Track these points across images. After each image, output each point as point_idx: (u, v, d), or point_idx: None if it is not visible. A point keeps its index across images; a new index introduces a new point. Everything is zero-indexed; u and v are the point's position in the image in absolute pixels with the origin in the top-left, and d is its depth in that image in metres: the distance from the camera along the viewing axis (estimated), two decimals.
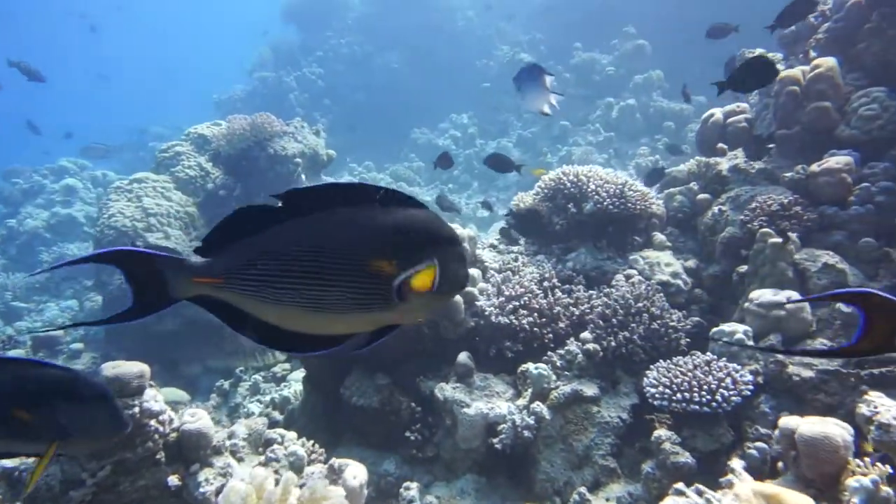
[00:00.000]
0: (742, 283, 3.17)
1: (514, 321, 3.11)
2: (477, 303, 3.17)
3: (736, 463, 2.12)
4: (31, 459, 1.99)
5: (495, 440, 2.82)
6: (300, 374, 4.35)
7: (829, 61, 3.46)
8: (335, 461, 2.53)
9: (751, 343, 2.73)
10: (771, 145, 3.69)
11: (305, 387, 3.70)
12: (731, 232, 3.37)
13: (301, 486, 2.47)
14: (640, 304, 3.04)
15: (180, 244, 5.79)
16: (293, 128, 6.52)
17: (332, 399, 3.32)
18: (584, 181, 3.70)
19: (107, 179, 10.54)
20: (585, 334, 3.04)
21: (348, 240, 0.95)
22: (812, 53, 3.71)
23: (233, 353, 5.37)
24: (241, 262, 0.96)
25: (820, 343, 2.62)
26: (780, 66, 3.61)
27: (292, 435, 2.72)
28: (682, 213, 3.94)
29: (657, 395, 2.63)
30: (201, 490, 2.24)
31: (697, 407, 2.52)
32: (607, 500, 2.56)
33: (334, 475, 2.50)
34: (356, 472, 2.47)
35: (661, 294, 3.15)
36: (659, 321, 3.00)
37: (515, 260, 3.61)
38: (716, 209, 3.59)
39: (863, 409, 1.71)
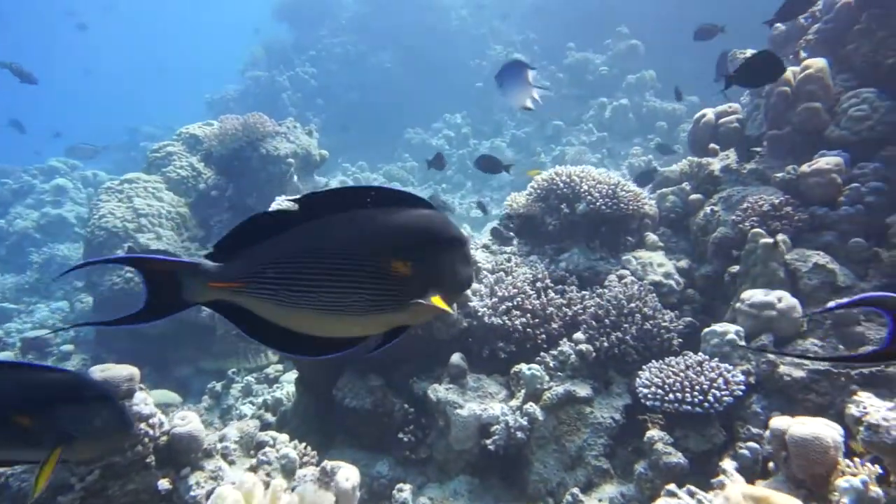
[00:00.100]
0: (734, 283, 3.18)
1: (507, 322, 3.11)
2: (470, 304, 3.17)
3: (727, 464, 2.12)
4: (21, 468, 1.96)
5: (488, 441, 2.81)
6: (293, 375, 4.33)
7: (819, 62, 3.48)
8: (327, 463, 2.52)
9: (743, 343, 2.73)
10: (757, 149, 3.71)
11: (298, 388, 3.69)
12: (723, 232, 3.39)
13: (293, 489, 2.46)
14: (632, 305, 3.05)
15: (172, 245, 5.75)
16: (286, 128, 6.49)
17: (324, 400, 3.30)
18: (576, 181, 3.70)
19: (98, 180, 10.46)
20: (578, 335, 3.04)
21: (365, 241, 0.96)
22: (802, 54, 3.73)
23: (225, 355, 5.34)
24: (258, 267, 0.96)
25: (811, 343, 2.64)
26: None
27: (284, 437, 2.71)
28: (675, 214, 3.96)
29: (650, 396, 2.64)
30: (192, 494, 2.22)
31: (689, 407, 2.53)
32: (600, 500, 2.56)
33: (326, 477, 2.48)
34: (348, 475, 2.45)
35: (654, 294, 3.16)
36: (651, 321, 3.00)
37: (508, 260, 3.60)
38: (708, 209, 3.60)
39: (852, 409, 1.72)
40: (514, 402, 2.93)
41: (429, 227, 0.99)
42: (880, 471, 1.69)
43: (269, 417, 3.89)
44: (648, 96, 10.62)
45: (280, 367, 5.04)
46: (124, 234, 5.65)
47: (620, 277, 3.38)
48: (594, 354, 2.94)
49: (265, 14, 16.36)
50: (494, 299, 3.19)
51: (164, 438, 2.29)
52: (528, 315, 3.15)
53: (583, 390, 2.84)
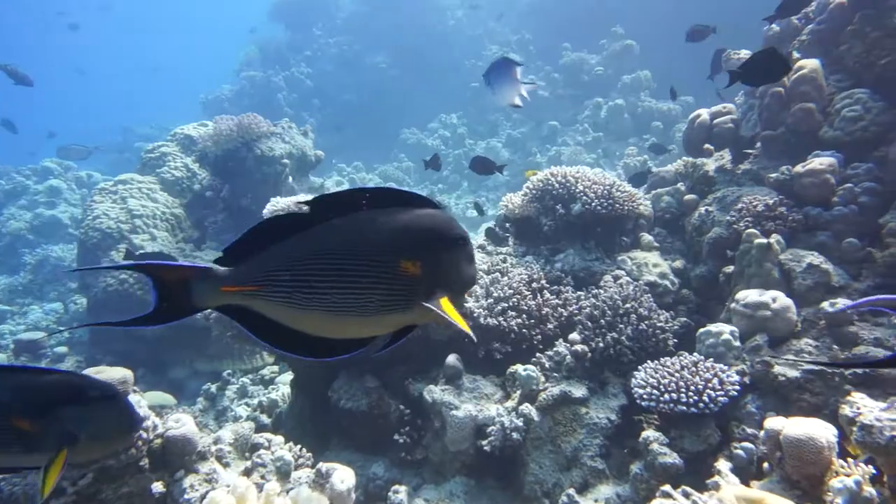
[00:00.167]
0: (729, 283, 3.19)
1: (502, 323, 3.11)
2: (466, 304, 3.17)
3: (722, 464, 2.12)
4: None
5: (484, 442, 2.81)
6: (288, 376, 4.32)
7: (812, 63, 3.49)
8: (322, 465, 2.51)
9: (737, 343, 2.74)
10: (749, 151, 3.72)
11: (293, 390, 3.68)
12: (718, 232, 3.40)
13: (288, 491, 2.45)
14: (628, 305, 3.05)
15: (166, 246, 5.73)
16: (281, 128, 6.48)
17: (320, 402, 3.29)
18: (572, 182, 3.70)
19: (92, 180, 10.41)
20: (574, 335, 3.04)
21: (376, 242, 0.96)
22: (796, 55, 3.74)
23: (220, 356, 5.32)
24: (271, 270, 0.97)
25: (805, 343, 2.64)
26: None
27: (279, 439, 2.70)
28: (670, 214, 3.96)
29: (645, 396, 2.64)
30: (186, 497, 2.21)
31: (685, 407, 2.53)
32: (595, 501, 2.56)
33: (322, 480, 2.48)
34: (344, 477, 2.45)
35: (649, 295, 3.16)
36: (647, 322, 3.01)
37: (504, 261, 3.60)
38: (702, 210, 3.61)
39: (846, 410, 1.72)
40: (510, 403, 2.93)
41: (436, 226, 1.00)
42: (873, 471, 1.69)
43: (265, 419, 3.88)
44: (644, 96, 10.65)
45: (275, 368, 5.02)
46: (118, 236, 5.63)
47: (616, 278, 3.38)
48: (590, 355, 2.94)
49: (261, 14, 16.32)
50: (490, 300, 3.19)
51: (158, 441, 2.28)
52: (524, 316, 3.15)
53: (578, 391, 2.84)
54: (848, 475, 1.69)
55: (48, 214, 9.44)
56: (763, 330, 2.73)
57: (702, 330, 2.87)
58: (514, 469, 2.85)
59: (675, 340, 3.03)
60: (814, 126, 3.51)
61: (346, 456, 3.13)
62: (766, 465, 2.02)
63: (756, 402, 2.57)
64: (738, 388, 2.54)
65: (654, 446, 2.49)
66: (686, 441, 2.54)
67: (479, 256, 3.68)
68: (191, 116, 9.65)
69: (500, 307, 3.15)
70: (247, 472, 2.49)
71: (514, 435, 2.76)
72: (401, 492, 2.77)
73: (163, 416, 2.39)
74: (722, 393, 2.52)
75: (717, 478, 2.02)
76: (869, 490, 1.63)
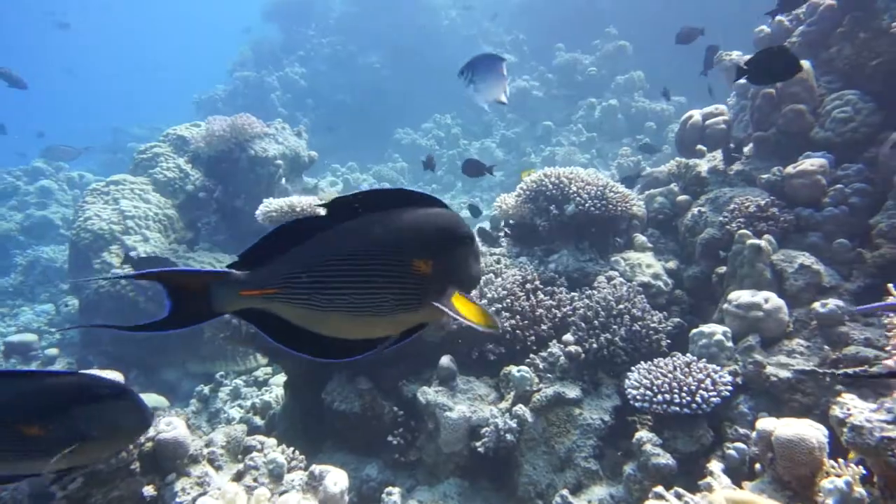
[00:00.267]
0: (721, 283, 3.20)
1: None
2: None
3: (714, 465, 2.13)
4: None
5: (478, 443, 2.81)
6: (281, 378, 4.31)
7: (803, 64, 3.51)
8: (315, 468, 2.50)
9: (729, 344, 2.75)
10: (736, 155, 3.73)
11: (287, 392, 3.66)
12: (711, 233, 3.41)
13: (281, 494, 2.44)
14: (621, 306, 3.05)
15: (159, 247, 5.69)
16: (274, 129, 6.45)
17: (313, 404, 3.28)
18: (565, 183, 3.71)
19: (84, 181, 10.34)
20: (567, 336, 3.04)
21: (391, 242, 0.98)
22: None
23: (213, 358, 5.29)
24: (289, 272, 0.97)
25: (797, 343, 2.66)
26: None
27: (272, 442, 2.68)
28: (663, 215, 3.98)
29: (638, 397, 2.65)
30: (177, 500, 2.20)
31: (678, 408, 2.54)
32: (589, 502, 2.57)
33: (315, 482, 2.47)
34: (337, 479, 2.44)
35: (643, 295, 3.17)
36: (640, 322, 3.01)
37: (498, 262, 3.60)
38: (695, 210, 3.62)
39: (836, 411, 1.73)
40: (504, 405, 2.93)
41: (447, 225, 1.02)
42: (864, 471, 1.70)
43: (258, 421, 3.86)
44: (637, 97, 10.68)
45: (269, 369, 5.00)
46: (110, 237, 5.59)
47: (609, 279, 3.39)
48: (583, 356, 2.95)
49: (254, 14, 16.26)
50: (484, 301, 3.19)
51: (150, 444, 2.26)
52: (518, 317, 3.15)
53: (572, 392, 2.85)
54: (839, 476, 1.70)
55: (39, 215, 9.37)
56: (755, 330, 2.74)
57: (694, 331, 2.88)
58: (507, 470, 2.85)
59: (669, 341, 3.04)
60: (805, 127, 3.53)
61: (340, 458, 3.12)
62: (757, 465, 2.03)
63: (748, 403, 2.58)
64: (730, 388, 2.55)
65: (648, 447, 2.49)
66: (679, 442, 2.54)
67: None
68: (184, 117, 9.61)
69: (493, 308, 3.15)
70: (239, 475, 2.47)
71: (508, 436, 2.76)
72: (394, 493, 2.76)
73: (154, 418, 2.38)
74: (714, 393, 2.53)
75: (709, 479, 2.03)
76: (859, 491, 1.64)
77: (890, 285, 2.16)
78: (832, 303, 2.61)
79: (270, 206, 3.70)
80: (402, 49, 13.77)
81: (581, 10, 12.66)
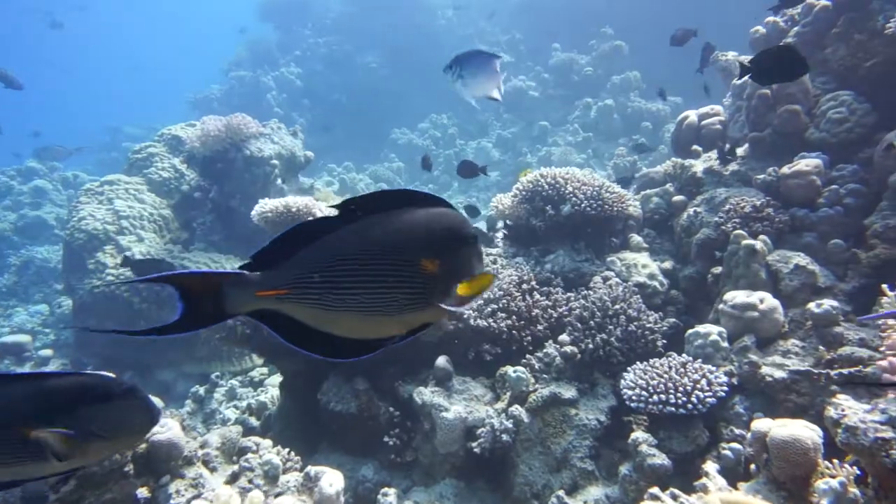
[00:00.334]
0: (717, 284, 3.20)
1: (492, 324, 3.10)
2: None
3: (709, 466, 2.13)
4: None
5: (474, 444, 2.81)
6: (277, 379, 4.29)
7: None
8: (311, 469, 2.49)
9: (725, 344, 2.76)
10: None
11: (282, 392, 3.65)
12: (706, 233, 3.41)
13: (276, 496, 2.43)
14: (617, 306, 3.06)
15: (154, 247, 5.67)
16: (270, 129, 6.43)
17: (309, 404, 3.27)
18: (561, 183, 3.71)
19: (78, 181, 10.28)
20: (563, 337, 3.04)
21: (400, 242, 0.99)
22: None
23: (209, 358, 5.27)
24: (302, 272, 0.98)
25: (792, 343, 2.66)
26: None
27: (267, 443, 2.67)
28: (659, 215, 3.98)
29: (634, 397, 2.65)
30: (172, 502, 2.19)
31: (673, 408, 2.54)
32: (585, 502, 2.57)
33: (310, 483, 2.46)
34: (332, 480, 2.43)
35: (638, 296, 3.17)
36: (636, 323, 3.02)
37: (494, 262, 3.60)
38: (691, 211, 3.63)
39: (831, 411, 1.74)
40: (500, 405, 2.93)
41: (451, 225, 1.03)
42: (858, 472, 1.71)
43: (253, 421, 3.85)
44: (633, 97, 10.70)
45: (265, 370, 4.99)
46: (104, 237, 5.56)
47: (605, 279, 3.39)
48: (579, 356, 2.95)
49: (250, 13, 16.22)
50: (480, 301, 3.18)
51: (143, 446, 2.25)
52: (514, 317, 3.14)
53: (568, 392, 2.85)
54: (833, 476, 1.70)
55: (33, 215, 9.31)
56: (751, 331, 2.75)
57: (690, 331, 2.88)
58: (503, 471, 2.85)
59: (664, 341, 3.04)
60: (800, 127, 3.54)
61: (336, 458, 3.11)
62: (753, 466, 2.03)
63: (744, 403, 2.58)
64: (725, 388, 2.56)
65: (643, 448, 2.50)
66: (675, 442, 2.55)
67: None
68: (179, 116, 9.57)
69: (489, 308, 3.15)
70: (234, 477, 2.46)
71: (504, 436, 2.76)
72: (390, 494, 2.76)
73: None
74: (710, 394, 2.53)
75: (704, 479, 2.03)
76: (854, 491, 1.64)
77: (884, 286, 2.17)
78: (827, 303, 2.61)
79: (266, 206, 3.69)
80: (399, 49, 13.75)
81: (577, 10, 12.67)
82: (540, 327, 3.15)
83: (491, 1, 14.23)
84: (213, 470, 2.48)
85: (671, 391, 2.57)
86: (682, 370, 2.66)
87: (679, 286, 3.52)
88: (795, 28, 3.82)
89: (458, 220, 1.05)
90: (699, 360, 2.69)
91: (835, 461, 1.78)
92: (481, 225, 4.45)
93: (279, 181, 6.19)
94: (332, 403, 3.12)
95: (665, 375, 2.65)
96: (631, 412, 2.75)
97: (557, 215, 3.66)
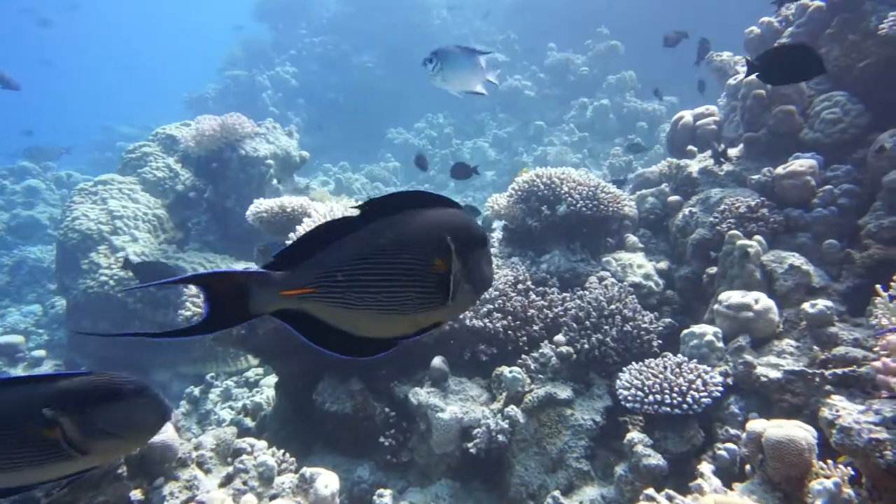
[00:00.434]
0: (712, 284, 3.21)
1: (488, 324, 3.10)
2: None
3: (705, 467, 2.14)
4: None
5: (470, 444, 2.80)
6: (273, 379, 4.28)
7: None
8: (306, 470, 2.48)
9: (720, 345, 2.76)
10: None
11: (278, 393, 3.64)
12: (701, 234, 3.42)
13: (272, 498, 2.42)
14: (612, 307, 3.06)
15: (148, 247, 5.64)
16: (265, 129, 6.41)
17: (305, 405, 3.26)
18: (557, 183, 3.71)
19: (72, 180, 10.22)
20: (559, 337, 3.04)
21: (415, 241, 1.01)
22: None
23: (204, 359, 5.25)
24: (327, 271, 0.99)
25: (787, 343, 2.67)
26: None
27: (262, 444, 2.66)
28: (654, 215, 3.99)
29: (630, 398, 2.65)
30: None
31: (669, 409, 2.54)
32: (580, 503, 2.57)
33: (305, 485, 2.45)
34: (328, 481, 2.42)
35: (634, 296, 3.17)
36: (631, 323, 3.02)
37: None
38: (686, 211, 3.63)
39: (825, 412, 1.74)
40: (496, 405, 2.92)
41: (463, 226, 1.05)
42: (852, 472, 1.71)
43: (249, 422, 3.84)
44: (629, 97, 10.72)
45: (260, 370, 4.97)
46: (98, 237, 5.52)
47: (601, 279, 3.39)
48: (575, 356, 2.95)
49: (245, 12, 16.17)
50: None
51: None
52: (510, 317, 3.14)
53: (563, 392, 2.84)
54: (828, 477, 1.71)
55: (26, 215, 9.25)
56: (746, 331, 2.76)
57: (686, 331, 2.89)
58: (499, 471, 2.84)
59: (660, 341, 3.04)
60: (794, 128, 3.55)
61: (331, 459, 3.10)
62: (748, 466, 2.04)
63: (739, 403, 2.59)
64: (721, 389, 2.56)
65: (639, 448, 2.50)
66: (670, 442, 2.55)
67: None
68: (174, 115, 9.53)
69: (485, 308, 3.15)
70: (229, 478, 2.45)
71: (500, 437, 2.76)
72: (386, 495, 2.75)
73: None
74: (705, 394, 2.54)
75: (699, 480, 2.04)
76: (848, 492, 1.65)
77: (878, 286, 2.18)
78: (821, 303, 2.62)
79: (261, 206, 3.68)
80: (395, 48, 13.73)
81: (572, 10, 12.69)
82: (536, 327, 3.15)
83: (486, 0, 14.23)
84: (207, 472, 2.47)
85: (666, 391, 2.58)
86: (677, 370, 2.66)
87: (674, 286, 3.53)
88: (790, 28, 3.83)
89: (468, 222, 1.07)
90: (694, 361, 2.70)
91: (829, 461, 1.78)
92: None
93: (274, 181, 6.17)
94: (328, 404, 3.11)
95: (660, 376, 2.65)
96: (626, 412, 2.75)
97: (553, 215, 3.66)
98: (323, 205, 3.63)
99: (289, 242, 3.18)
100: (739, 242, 2.99)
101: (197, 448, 2.50)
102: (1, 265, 8.13)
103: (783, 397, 2.48)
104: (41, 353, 5.70)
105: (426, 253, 1.01)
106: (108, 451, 1.29)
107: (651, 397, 2.59)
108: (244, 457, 2.56)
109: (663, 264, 3.63)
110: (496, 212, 3.92)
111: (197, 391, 4.72)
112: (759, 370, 2.57)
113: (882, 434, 1.61)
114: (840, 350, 2.45)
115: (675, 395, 2.56)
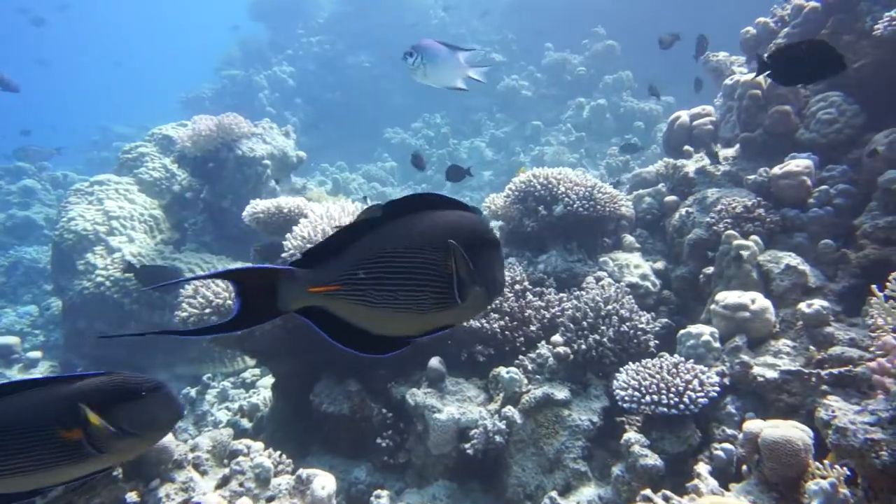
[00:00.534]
0: (709, 284, 3.22)
1: (485, 325, 3.10)
2: None
3: (701, 467, 2.14)
4: None
5: (467, 445, 2.80)
6: (270, 380, 4.27)
7: None
8: (303, 472, 2.48)
9: (717, 345, 2.77)
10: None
11: (274, 394, 3.64)
12: (698, 234, 3.43)
13: (268, 500, 2.41)
14: (609, 307, 3.06)
15: (145, 248, 5.62)
16: (262, 129, 6.39)
17: (301, 406, 3.26)
18: (554, 183, 3.71)
19: (68, 181, 10.18)
20: (556, 337, 3.04)
21: (431, 242, 1.03)
22: None
23: (201, 360, 5.24)
24: (348, 269, 1.01)
25: (783, 343, 2.67)
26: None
27: (259, 446, 2.65)
28: (651, 215, 3.99)
29: (626, 398, 2.65)
30: None
31: (666, 409, 2.54)
32: (577, 503, 2.57)
33: (302, 486, 2.44)
34: (325, 483, 2.42)
35: (631, 296, 3.18)
36: (628, 323, 3.02)
37: None
38: (683, 211, 3.64)
39: (821, 413, 1.74)
40: (493, 406, 2.92)
41: (477, 227, 1.07)
42: (848, 473, 1.72)
43: (245, 423, 3.83)
44: (626, 96, 10.73)
45: (257, 371, 4.96)
46: (94, 238, 5.50)
47: (598, 279, 3.39)
48: (572, 357, 2.95)
49: (241, 12, 16.13)
50: None
51: None
52: (507, 318, 3.14)
53: (561, 393, 2.84)
54: (824, 477, 1.71)
55: (22, 215, 9.22)
56: (742, 331, 2.76)
57: (682, 331, 2.89)
58: (496, 472, 2.84)
59: (657, 342, 3.05)
60: (790, 128, 3.56)
61: (328, 461, 3.10)
62: (745, 467, 2.04)
63: (736, 403, 2.59)
64: (717, 389, 2.56)
65: (636, 448, 2.50)
66: (667, 442, 2.55)
67: None
68: (171, 115, 9.51)
69: None
70: (225, 480, 2.45)
71: (497, 437, 2.76)
72: (383, 496, 2.75)
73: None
74: (702, 394, 2.54)
75: (696, 481, 2.04)
76: (844, 492, 1.65)
77: (873, 286, 2.18)
78: (817, 303, 2.63)
79: (257, 207, 3.67)
80: (392, 48, 13.68)
81: (569, 10, 12.69)
82: (533, 328, 3.15)
83: (482, 0, 14.22)
84: (203, 473, 2.46)
85: (663, 392, 2.58)
86: (674, 370, 2.66)
87: (671, 286, 3.53)
88: (785, 29, 3.84)
89: (482, 224, 1.09)
90: (691, 361, 2.70)
91: (825, 462, 1.79)
92: None
93: (271, 181, 6.15)
94: (325, 405, 3.10)
95: (657, 376, 2.65)
96: (623, 413, 2.75)
97: (550, 215, 3.66)
98: (320, 205, 3.62)
99: (286, 243, 3.17)
100: (736, 242, 2.99)
101: (193, 450, 2.50)
102: None
103: (780, 397, 2.49)
104: (37, 354, 5.68)
105: (440, 252, 1.03)
106: (125, 450, 1.30)
107: (648, 397, 2.59)
108: (240, 458, 2.55)
109: (660, 264, 3.64)
110: (493, 212, 3.92)
111: (193, 392, 4.70)
112: (756, 370, 2.57)
113: (878, 434, 1.61)
114: (836, 350, 2.45)
115: (671, 395, 2.56)
